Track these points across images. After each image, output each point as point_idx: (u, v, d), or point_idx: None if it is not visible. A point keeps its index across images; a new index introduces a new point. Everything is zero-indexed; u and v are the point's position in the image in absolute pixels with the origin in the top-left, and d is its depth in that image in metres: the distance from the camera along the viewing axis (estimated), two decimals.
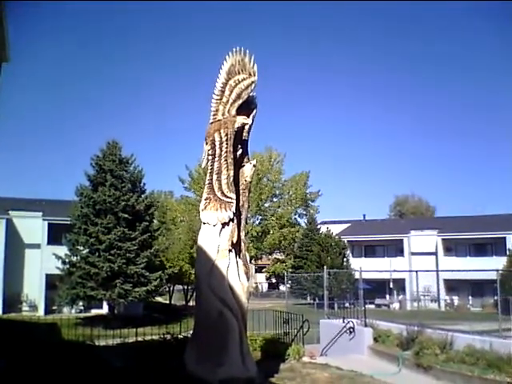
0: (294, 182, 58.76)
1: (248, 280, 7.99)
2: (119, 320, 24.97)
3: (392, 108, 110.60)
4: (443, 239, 45.48)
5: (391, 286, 46.67)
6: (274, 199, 59.84)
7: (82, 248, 28.79)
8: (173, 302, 43.04)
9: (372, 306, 38.09)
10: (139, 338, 14.00)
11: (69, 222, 30.23)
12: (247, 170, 8.47)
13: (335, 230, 48.48)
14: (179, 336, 12.16)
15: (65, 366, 9.20)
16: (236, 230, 7.86)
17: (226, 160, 7.89)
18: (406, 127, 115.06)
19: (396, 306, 44.17)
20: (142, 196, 31.71)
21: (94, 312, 32.26)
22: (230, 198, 7.75)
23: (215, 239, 7.67)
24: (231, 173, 7.90)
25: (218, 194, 7.77)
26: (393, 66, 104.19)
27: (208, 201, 7.83)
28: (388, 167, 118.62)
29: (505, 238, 41.56)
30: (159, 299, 42.00)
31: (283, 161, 59.75)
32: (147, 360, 9.96)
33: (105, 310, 32.02)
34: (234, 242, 7.79)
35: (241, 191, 8.34)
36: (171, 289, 42.37)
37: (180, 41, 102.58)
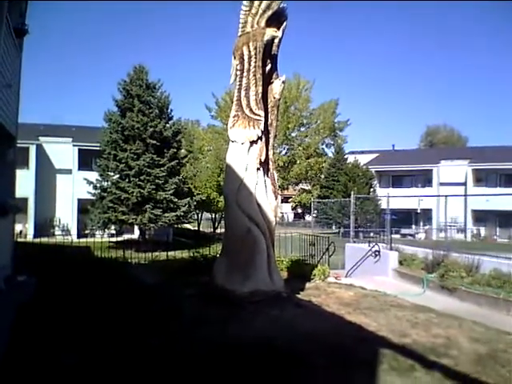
0: (322, 110, 57.52)
1: (276, 198, 8.00)
2: (149, 244, 25.70)
3: (423, 34, 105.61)
4: (474, 169, 44.56)
5: (418, 212, 46.37)
6: (302, 128, 58.97)
7: (112, 173, 29.09)
8: (201, 229, 44.00)
9: (397, 236, 38.25)
10: (167, 257, 14.44)
11: (98, 148, 30.45)
12: (276, 87, 8.24)
13: (363, 160, 47.95)
14: (208, 256, 12.50)
15: (98, 280, 9.60)
16: (264, 148, 7.78)
17: (254, 75, 7.68)
18: (440, 54, 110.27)
19: (422, 235, 44.26)
20: (170, 122, 31.54)
21: (126, 236, 33.16)
22: (258, 115, 7.61)
23: (243, 157, 7.62)
24: (260, 89, 7.71)
25: (247, 111, 7.64)
26: None
27: (236, 118, 7.71)
28: (419, 96, 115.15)
29: None
30: (188, 226, 42.95)
31: (311, 88, 58.16)
32: (178, 276, 10.32)
33: (136, 234, 32.92)
34: (263, 160, 7.73)
35: (269, 109, 8.17)
36: (199, 216, 43.17)
37: None
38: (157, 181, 28.93)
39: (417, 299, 9.78)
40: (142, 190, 28.10)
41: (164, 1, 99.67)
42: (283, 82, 8.24)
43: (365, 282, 11.55)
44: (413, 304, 9.16)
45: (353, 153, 51.51)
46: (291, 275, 11.45)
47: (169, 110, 31.70)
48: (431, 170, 47.21)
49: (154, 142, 29.12)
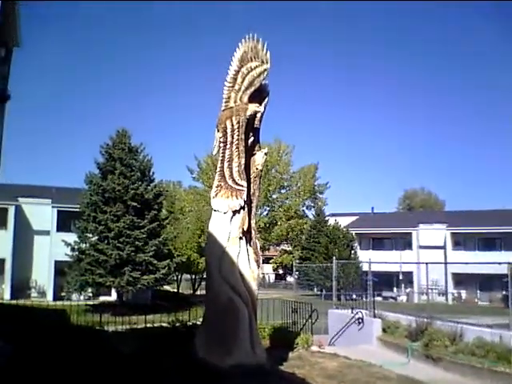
0: (303, 173, 58.65)
1: (258, 267, 8.00)
2: (127, 307, 25.14)
3: (401, 102, 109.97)
4: (452, 233, 45.25)
5: (400, 277, 46.54)
6: (282, 191, 59.80)
7: (91, 235, 28.94)
8: (180, 291, 43.21)
9: (379, 299, 38.06)
10: (145, 325, 14.06)
11: (78, 210, 30.35)
12: (258, 158, 8.44)
13: (343, 222, 48.36)
14: (188, 323, 12.22)
15: (73, 350, 9.27)
16: (247, 217, 7.85)
17: (237, 147, 7.86)
18: (417, 122, 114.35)
19: (403, 298, 44.15)
20: (151, 185, 31.79)
21: (103, 299, 32.44)
22: (241, 185, 7.73)
23: (226, 226, 7.67)
24: (242, 160, 7.88)
25: (229, 181, 7.76)
26: (404, 62, 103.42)
27: (219, 188, 7.82)
28: (397, 160, 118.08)
29: None
30: (167, 288, 42.21)
31: (292, 152, 59.66)
32: (157, 346, 10.02)
33: (113, 297, 32.22)
34: (245, 229, 7.78)
35: (252, 179, 8.32)
36: (179, 278, 42.54)
37: (191, 29, 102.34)
38: (136, 243, 28.74)
39: (402, 370, 9.63)
40: (121, 252, 27.83)
41: (143, 63, 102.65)
42: (265, 154, 8.46)
43: (349, 350, 11.35)
44: (398, 375, 9.00)
45: (333, 215, 52.00)
46: (274, 344, 11.21)
47: (150, 173, 32.06)
48: (410, 233, 47.81)
49: (135, 204, 29.18)
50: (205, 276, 46.31)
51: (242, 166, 7.83)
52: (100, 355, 9.07)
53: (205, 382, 7.00)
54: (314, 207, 57.74)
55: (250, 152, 8.32)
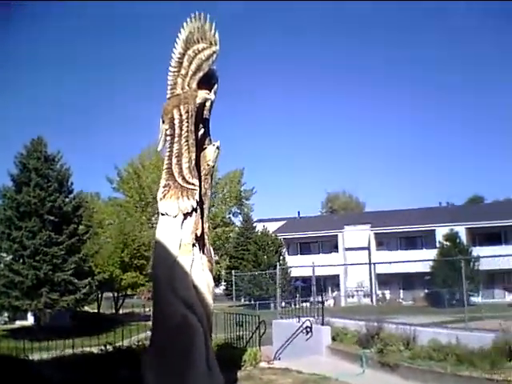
0: (228, 179, 57.72)
1: (212, 278, 7.02)
2: (45, 331, 23.20)
3: (321, 105, 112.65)
4: (376, 233, 46.34)
5: (317, 283, 46.76)
6: None
7: (4, 255, 26.90)
8: (101, 311, 40.76)
9: (306, 304, 37.96)
10: (72, 351, 12.60)
11: None
12: (210, 153, 7.47)
13: (271, 227, 48.18)
14: (121, 347, 10.99)
15: None
16: (200, 221, 6.86)
17: (187, 141, 6.86)
18: (334, 124, 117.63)
19: (331, 302, 44.44)
20: (70, 196, 29.85)
21: (19, 323, 30.06)
22: (192, 184, 6.73)
23: (176, 232, 6.61)
24: (193, 155, 6.88)
25: (179, 180, 6.73)
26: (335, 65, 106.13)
27: (167, 188, 6.76)
28: (319, 165, 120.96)
29: (434, 230, 42.86)
30: (86, 308, 39.64)
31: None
32: (91, 374, 8.70)
33: (30, 320, 29.85)
34: (198, 234, 6.78)
35: (203, 177, 7.32)
36: (99, 297, 40.07)
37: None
38: (54, 260, 26.79)
39: (359, 381, 9.00)
40: (37, 272, 25.79)
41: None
42: (218, 148, 7.49)
43: (299, 363, 10.59)
44: None
45: (261, 221, 51.72)
46: (220, 363, 10.21)
47: (69, 183, 30.11)
48: (336, 235, 48.43)
49: (52, 217, 27.19)
50: (128, 293, 44.14)
51: (193, 162, 6.84)
52: None
53: None
54: (240, 214, 57.09)
55: (199, 146, 7.33)
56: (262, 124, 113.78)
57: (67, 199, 28.88)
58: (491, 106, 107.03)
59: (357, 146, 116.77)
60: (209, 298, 6.85)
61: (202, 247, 7.01)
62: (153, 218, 56.02)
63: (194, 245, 6.72)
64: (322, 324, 12.43)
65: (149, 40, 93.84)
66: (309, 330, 12.21)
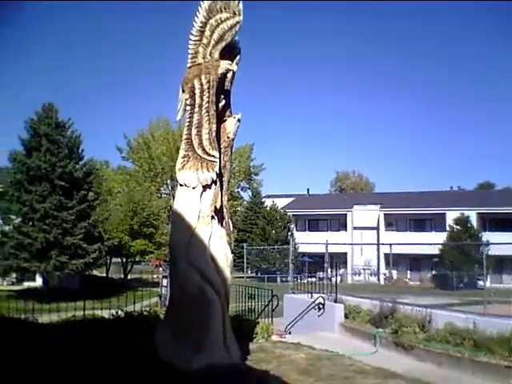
0: (238, 154, 57.46)
1: (231, 251, 6.92)
2: (54, 293, 23.47)
3: (336, 89, 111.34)
4: (385, 214, 46.12)
5: (330, 260, 46.98)
6: None
7: (14, 217, 26.98)
8: (110, 276, 41.30)
9: (313, 279, 38.11)
10: (83, 314, 12.67)
11: (0, 190, 27.96)
12: (230, 125, 7.28)
13: (279, 203, 48.08)
14: (132, 313, 10.99)
15: (7, 349, 7.79)
16: (219, 193, 6.73)
17: (207, 111, 6.67)
18: (347, 107, 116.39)
19: (337, 279, 44.57)
20: (80, 163, 29.84)
21: (27, 284, 30.39)
22: (212, 155, 6.57)
23: (195, 204, 6.49)
24: (214, 127, 6.70)
25: (199, 151, 6.57)
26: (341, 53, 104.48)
27: (186, 159, 6.60)
28: (329, 143, 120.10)
29: (444, 213, 42.57)
30: (95, 272, 40.16)
31: None
32: (102, 340, 8.70)
33: (38, 282, 30.20)
34: (218, 207, 6.66)
35: (222, 149, 7.15)
36: (108, 261, 40.57)
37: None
38: (64, 225, 26.88)
39: (373, 360, 8.93)
40: (47, 235, 25.93)
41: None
42: (238, 121, 7.30)
43: (311, 339, 10.54)
44: (373, 368, 8.27)
45: (269, 196, 51.61)
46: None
47: (80, 150, 30.05)
48: (345, 214, 48.28)
49: (63, 183, 27.20)
50: (137, 260, 44.59)
51: (214, 133, 6.66)
52: (40, 353, 7.66)
53: None
54: (249, 188, 57.05)
55: (220, 118, 7.13)
56: (274, 101, 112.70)
57: (77, 165, 28.90)
58: (506, 96, 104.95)
59: (368, 127, 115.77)
60: (227, 272, 6.76)
61: (221, 220, 6.90)
62: (161, 189, 56.30)
63: (212, 217, 6.60)
64: (335, 301, 12.35)
65: (160, 15, 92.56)
66: (321, 306, 12.13)
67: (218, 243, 6.65)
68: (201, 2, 7.19)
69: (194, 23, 7.15)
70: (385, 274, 43.12)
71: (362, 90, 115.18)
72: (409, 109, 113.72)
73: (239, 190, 59.00)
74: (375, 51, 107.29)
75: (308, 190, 60.17)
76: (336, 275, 13.93)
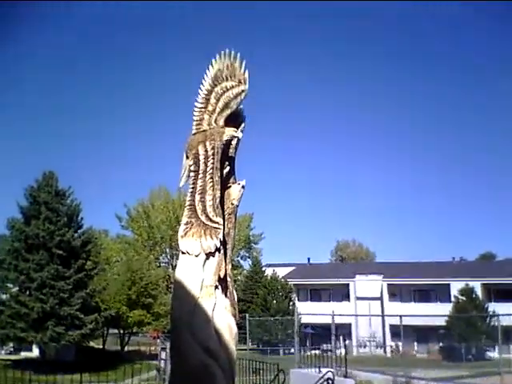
0: (238, 223, 57.15)
1: (236, 324, 6.57)
2: (50, 364, 22.88)
3: (337, 150, 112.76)
4: (388, 284, 45.41)
5: (336, 334, 45.75)
6: None
7: (11, 285, 26.64)
8: (106, 347, 40.04)
9: (318, 352, 36.87)
10: None
11: None
12: (234, 192, 7.15)
13: (280, 273, 47.45)
14: None
15: None
16: (223, 261, 6.48)
17: (211, 177, 6.56)
18: (345, 177, 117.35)
19: (342, 351, 43.09)
20: (79, 231, 29.75)
21: (24, 354, 29.72)
22: (216, 222, 6.37)
23: (198, 273, 6.21)
24: (218, 193, 6.56)
25: (202, 217, 6.38)
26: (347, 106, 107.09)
27: (189, 226, 6.40)
28: (330, 211, 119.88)
29: (449, 284, 42.00)
30: (92, 343, 39.01)
31: None
32: None
33: (35, 352, 29.46)
34: (222, 276, 6.39)
35: (226, 216, 6.96)
36: (105, 333, 39.43)
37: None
38: (61, 294, 26.44)
39: None
40: (44, 305, 25.48)
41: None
42: (243, 187, 7.17)
43: None
44: None
45: (270, 265, 51.01)
46: None
47: (79, 218, 30.09)
48: (348, 284, 47.52)
49: (61, 252, 27.05)
50: (134, 331, 43.45)
51: (218, 200, 6.50)
52: None
53: None
54: (249, 257, 56.68)
55: (224, 185, 7.02)
56: (272, 171, 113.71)
57: (76, 234, 28.85)
58: (505, 165, 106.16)
59: (367, 196, 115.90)
60: (231, 345, 6.36)
61: (225, 289, 6.60)
62: (160, 257, 55.84)
63: (216, 287, 6.31)
64: (345, 376, 11.76)
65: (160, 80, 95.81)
66: (330, 382, 11.50)
67: (222, 314, 6.31)
68: (207, 71, 7.32)
69: (199, 91, 7.23)
70: (391, 346, 41.77)
71: (361, 156, 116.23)
72: (407, 179, 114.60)
73: (239, 258, 58.59)
74: (371, 110, 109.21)
75: (309, 259, 59.67)
76: (342, 347, 13.26)
